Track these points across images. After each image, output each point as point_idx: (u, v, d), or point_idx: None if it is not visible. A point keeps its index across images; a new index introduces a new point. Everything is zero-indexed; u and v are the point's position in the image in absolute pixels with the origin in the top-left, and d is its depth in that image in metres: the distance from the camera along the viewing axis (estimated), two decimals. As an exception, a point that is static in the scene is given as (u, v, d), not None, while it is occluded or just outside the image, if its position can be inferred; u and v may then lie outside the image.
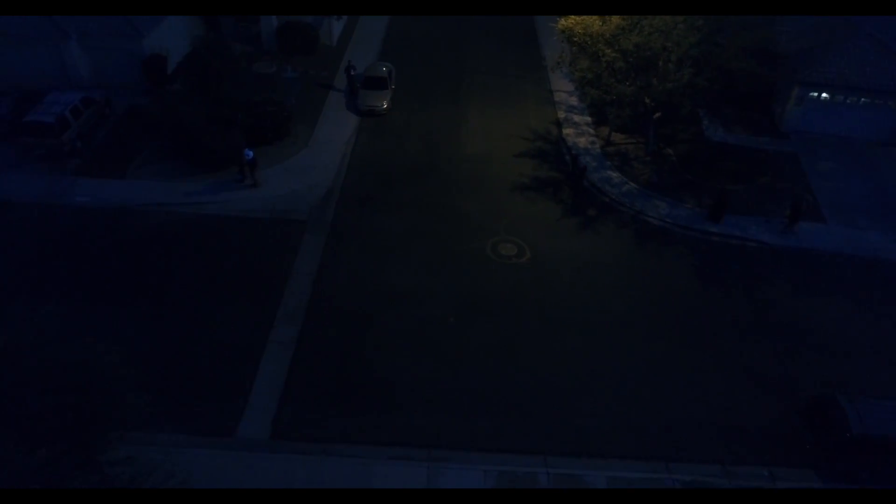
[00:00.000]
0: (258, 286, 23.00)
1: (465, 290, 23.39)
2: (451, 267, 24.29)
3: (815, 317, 23.21)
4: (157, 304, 22.06)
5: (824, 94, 31.34)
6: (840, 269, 25.19)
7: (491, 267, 24.38)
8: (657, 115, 29.22)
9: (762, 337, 22.34)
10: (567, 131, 32.82)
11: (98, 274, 22.96)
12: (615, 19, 26.60)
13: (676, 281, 24.39)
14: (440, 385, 20.17)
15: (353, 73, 34.32)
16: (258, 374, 20.10)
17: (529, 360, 21.07)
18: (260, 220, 25.88)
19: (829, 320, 23.11)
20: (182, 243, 24.58)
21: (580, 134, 32.60)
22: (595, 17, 27.24)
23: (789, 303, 23.70)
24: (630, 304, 23.25)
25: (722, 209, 26.46)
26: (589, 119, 33.69)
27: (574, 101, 35.38)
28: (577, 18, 27.53)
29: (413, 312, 22.41)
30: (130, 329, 20.92)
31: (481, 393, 20.01)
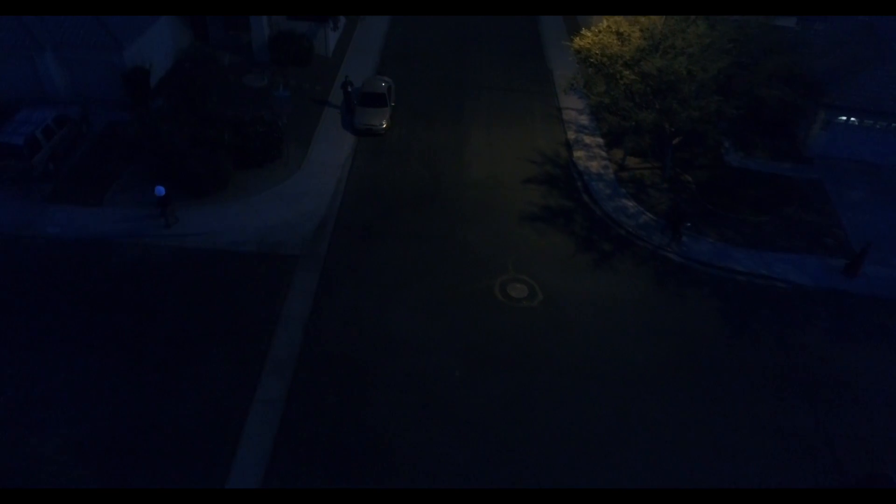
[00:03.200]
0: (244, 332, 20.86)
1: (472, 337, 21.33)
2: (456, 310, 22.23)
3: (853, 369, 21.27)
4: (130, 353, 19.88)
5: (852, 119, 29.46)
6: (879, 315, 23.26)
7: (500, 311, 22.32)
8: (677, 140, 27.24)
9: (796, 391, 20.39)
10: (578, 154, 30.79)
11: (66, 316, 20.81)
12: (635, 40, 24.58)
13: (701, 326, 22.41)
14: (443, 449, 18.11)
15: (349, 89, 32.18)
16: (242, 438, 17.95)
17: (541, 419, 19.04)
18: (247, 255, 23.73)
19: (867, 373, 21.19)
20: (161, 281, 22.41)
21: (591, 157, 30.58)
22: (613, 37, 25.21)
23: (825, 352, 21.75)
24: (652, 353, 21.26)
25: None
26: (601, 140, 31.69)
27: (584, 120, 33.37)
28: (594, 38, 25.47)
29: (414, 363, 20.34)
30: (98, 381, 18.82)
31: (489, 458, 17.97)
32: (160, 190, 23.62)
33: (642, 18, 25.48)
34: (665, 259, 25.14)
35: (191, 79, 30.08)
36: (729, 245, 25.70)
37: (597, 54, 25.16)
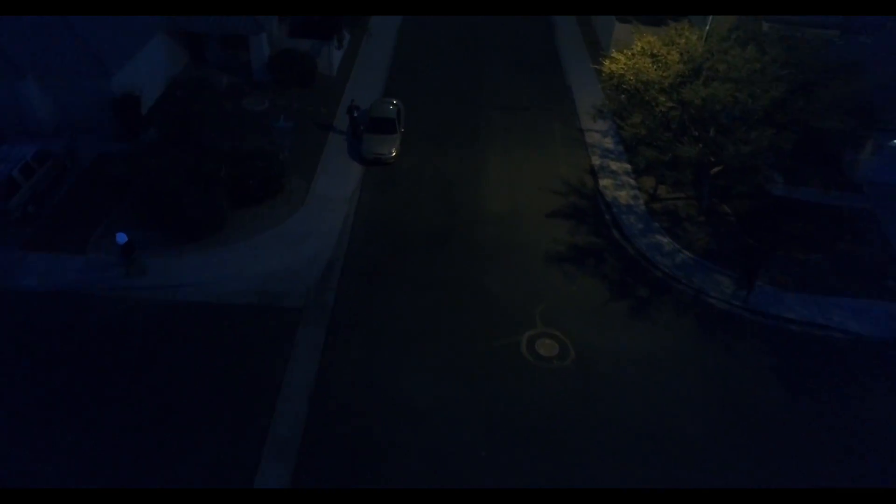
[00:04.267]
0: (242, 404, 18.47)
1: (498, 406, 18.88)
2: (479, 373, 19.79)
3: (931, 437, 18.78)
4: (110, 432, 17.51)
5: (906, 142, 26.92)
6: (951, 370, 20.75)
7: (528, 373, 19.88)
8: (716, 169, 24.75)
9: (872, 462, 17.89)
10: (604, 182, 28.33)
11: (40, 382, 18.47)
12: (674, 65, 22.08)
13: (754, 385, 19.91)
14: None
15: (355, 113, 29.84)
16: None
17: (584, 508, 16.59)
18: (246, 308, 21.37)
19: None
20: (149, 342, 20.06)
21: (620, 186, 28.12)
22: (648, 61, 22.73)
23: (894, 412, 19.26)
24: (703, 420, 18.77)
25: None
26: (628, 167, 29.19)
27: (609, 143, 30.93)
28: (629, 63, 22.99)
29: (435, 439, 17.91)
30: (71, 465, 16.47)
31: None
32: (121, 237, 21.19)
33: (681, 40, 22.98)
34: (708, 306, 22.66)
35: (185, 106, 27.79)
36: (778, 289, 23.19)
37: (631, 80, 22.68)
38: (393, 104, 30.61)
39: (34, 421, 17.68)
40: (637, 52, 23.55)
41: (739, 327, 21.88)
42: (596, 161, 29.77)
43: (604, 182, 28.35)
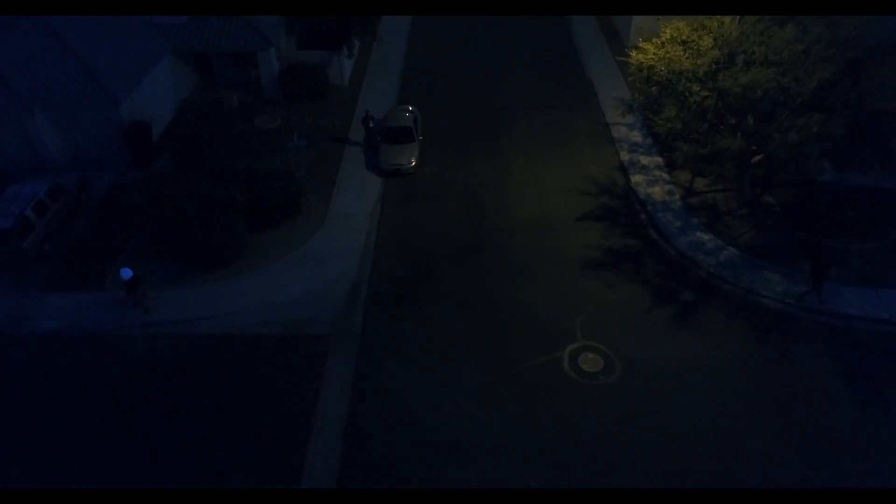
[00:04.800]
0: (272, 442, 17.52)
1: (543, 429, 17.67)
2: (520, 394, 18.59)
3: None
4: (132, 477, 16.68)
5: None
6: None
7: (572, 391, 18.62)
8: (757, 158, 23.19)
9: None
10: (636, 179, 26.90)
11: (64, 429, 17.73)
12: (710, 52, 20.56)
13: (817, 394, 18.40)
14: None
15: (371, 124, 28.78)
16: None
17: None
18: (270, 339, 20.45)
19: None
20: (171, 380, 19.20)
21: (653, 182, 26.67)
22: (679, 49, 21.27)
23: (979, 419, 17.63)
24: (767, 438, 17.30)
25: None
26: (660, 160, 27.73)
27: (637, 136, 29.46)
28: (659, 53, 21.54)
29: (479, 473, 16.74)
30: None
31: None
32: (125, 273, 20.31)
33: (712, 23, 21.44)
34: (759, 306, 21.16)
35: (196, 129, 27.00)
36: (835, 282, 21.58)
37: (662, 71, 21.24)
38: (409, 111, 29.55)
39: (54, 460, 16.93)
40: (666, 40, 22.09)
41: (796, 328, 20.36)
42: (625, 156, 28.35)
43: (635, 178, 26.92)
